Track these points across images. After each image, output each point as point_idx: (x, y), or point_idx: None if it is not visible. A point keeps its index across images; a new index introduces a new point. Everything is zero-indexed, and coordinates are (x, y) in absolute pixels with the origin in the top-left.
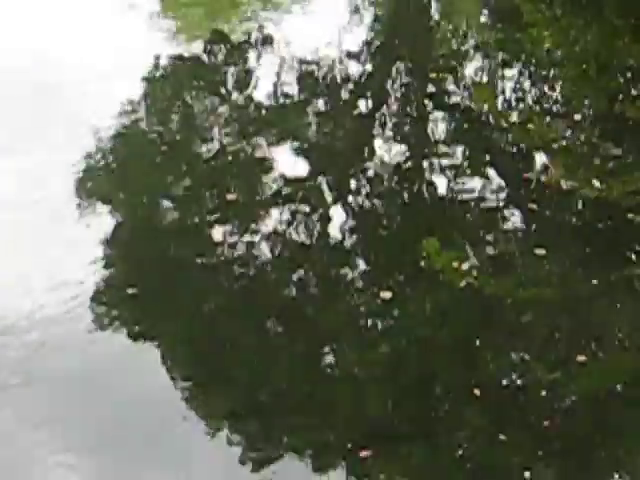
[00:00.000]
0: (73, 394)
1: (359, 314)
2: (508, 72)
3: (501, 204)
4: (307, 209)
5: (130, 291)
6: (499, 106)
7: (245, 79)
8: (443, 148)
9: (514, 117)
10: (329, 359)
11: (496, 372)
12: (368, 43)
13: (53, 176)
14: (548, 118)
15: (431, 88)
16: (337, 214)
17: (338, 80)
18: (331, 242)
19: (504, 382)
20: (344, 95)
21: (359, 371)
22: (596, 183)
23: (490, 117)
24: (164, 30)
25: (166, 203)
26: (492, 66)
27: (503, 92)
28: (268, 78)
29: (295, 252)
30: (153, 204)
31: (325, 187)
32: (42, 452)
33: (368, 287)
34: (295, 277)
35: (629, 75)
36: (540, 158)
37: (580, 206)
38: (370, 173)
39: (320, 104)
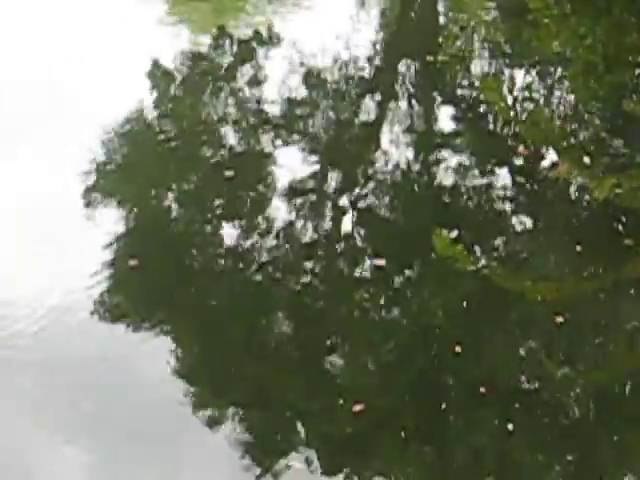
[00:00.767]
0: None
1: (367, 309)
2: (517, 69)
3: (509, 200)
4: (314, 204)
5: (138, 282)
6: (508, 103)
7: (251, 75)
8: (450, 144)
9: (523, 114)
10: (337, 352)
11: (505, 366)
12: (375, 39)
13: (64, 172)
14: (557, 115)
15: (439, 84)
16: (345, 209)
17: (345, 75)
18: (338, 238)
19: (513, 377)
20: (351, 90)
21: (367, 367)
22: (605, 180)
23: (498, 113)
24: (172, 25)
25: (173, 200)
26: (501, 63)
27: (512, 89)
28: (274, 74)
29: (304, 246)
30: (160, 200)
31: (332, 182)
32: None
33: (377, 281)
34: (304, 270)
35: (638, 71)
36: (549, 155)
37: (588, 202)
38: (378, 167)
39: (327, 99)
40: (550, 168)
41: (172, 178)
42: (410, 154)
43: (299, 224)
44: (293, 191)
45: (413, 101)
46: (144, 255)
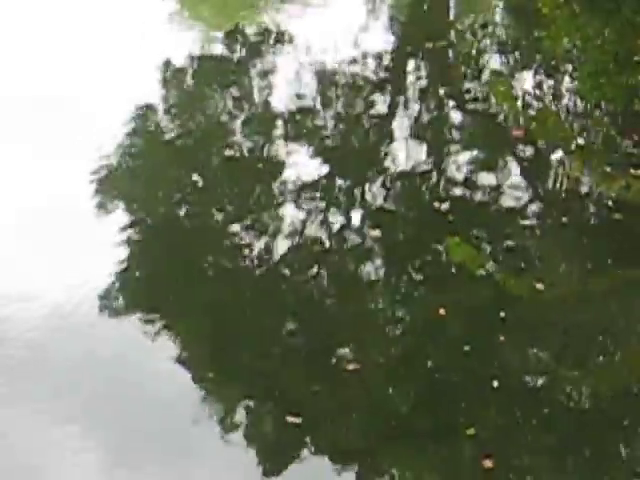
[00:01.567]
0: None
1: (377, 310)
2: (526, 70)
3: (520, 202)
4: (324, 207)
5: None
6: (518, 103)
7: (262, 75)
8: (461, 145)
9: (533, 114)
10: (347, 353)
11: (515, 369)
12: (385, 40)
13: (74, 170)
14: (567, 115)
15: (448, 86)
16: (355, 213)
17: (355, 78)
18: (349, 241)
19: (523, 379)
20: (362, 92)
21: (377, 367)
22: (614, 181)
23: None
24: (183, 25)
25: (184, 201)
26: (510, 64)
27: (522, 89)
28: (285, 74)
29: (313, 249)
30: (171, 201)
31: (343, 185)
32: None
33: (387, 283)
34: (311, 273)
35: None
36: (559, 155)
37: (599, 203)
38: (389, 171)
39: (338, 101)
40: (558, 166)
41: (182, 175)
42: (421, 148)
43: (310, 221)
44: (305, 187)
45: (423, 103)
46: (153, 251)
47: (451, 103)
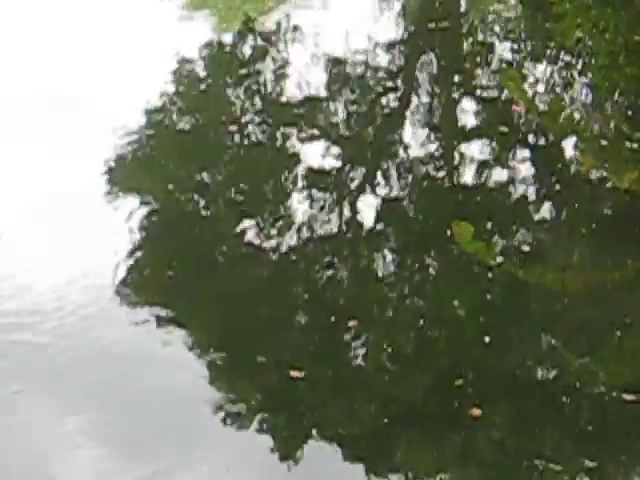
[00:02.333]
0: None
1: (389, 299)
2: (538, 62)
3: (530, 193)
4: (336, 197)
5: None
6: (529, 95)
7: (274, 68)
8: (471, 137)
9: (544, 106)
10: (358, 342)
11: (526, 360)
12: (396, 33)
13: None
14: (578, 107)
15: (460, 77)
16: (366, 203)
17: (366, 69)
18: (360, 230)
19: (534, 369)
20: (373, 84)
21: (388, 356)
22: (625, 173)
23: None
24: (194, 19)
25: (196, 193)
26: (522, 56)
27: (533, 81)
28: (297, 67)
29: (323, 240)
30: (183, 193)
31: (354, 175)
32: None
33: (397, 273)
34: (324, 263)
35: None
36: (570, 147)
37: (609, 195)
38: (399, 161)
39: (349, 93)
40: (571, 160)
41: (195, 170)
42: (432, 147)
43: (321, 214)
44: (316, 181)
45: (434, 95)
46: (166, 246)
47: (461, 94)
